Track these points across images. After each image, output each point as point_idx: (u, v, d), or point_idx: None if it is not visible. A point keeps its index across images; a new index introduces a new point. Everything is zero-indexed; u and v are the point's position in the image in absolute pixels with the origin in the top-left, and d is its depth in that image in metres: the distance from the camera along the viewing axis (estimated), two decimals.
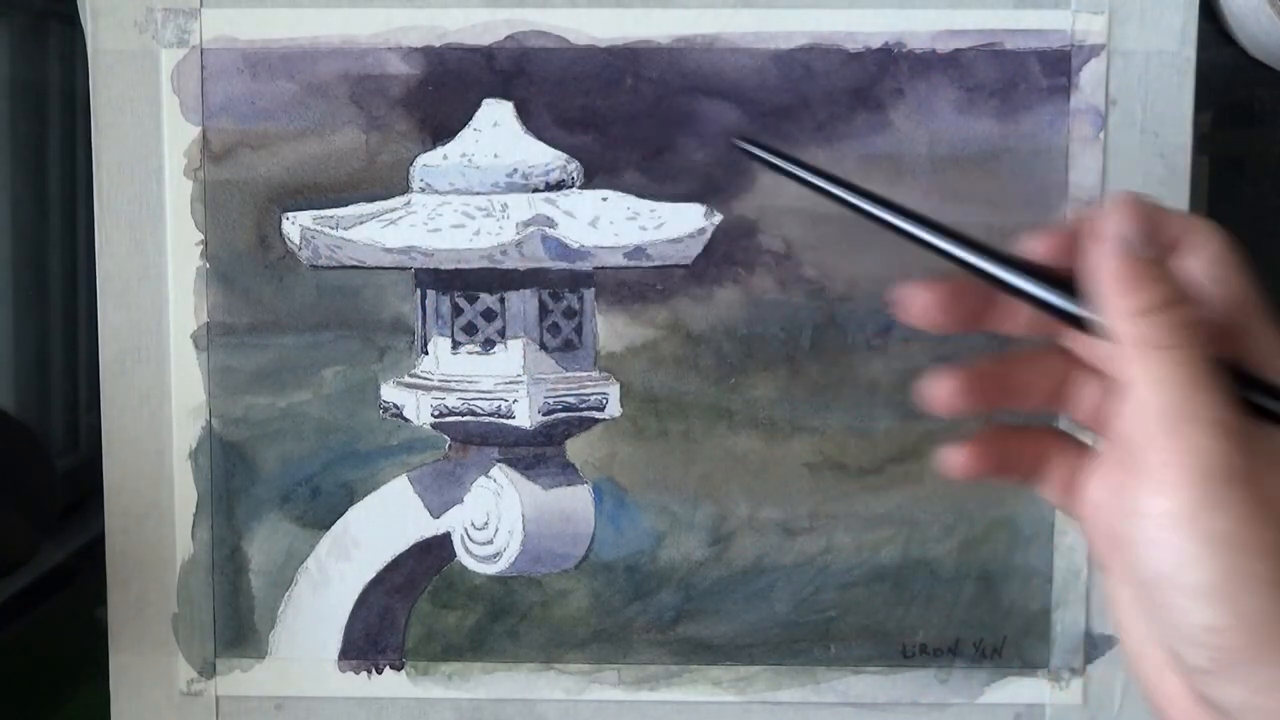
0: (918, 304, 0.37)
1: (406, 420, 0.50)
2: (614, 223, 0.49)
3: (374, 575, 0.51)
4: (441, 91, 0.49)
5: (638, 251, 0.49)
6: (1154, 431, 0.32)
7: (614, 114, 0.49)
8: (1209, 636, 0.31)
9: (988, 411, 0.37)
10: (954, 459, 0.37)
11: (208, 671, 0.51)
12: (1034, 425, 0.39)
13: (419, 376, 0.50)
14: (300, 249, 0.50)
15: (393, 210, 0.49)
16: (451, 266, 0.49)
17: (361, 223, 0.49)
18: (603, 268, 0.50)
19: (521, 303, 0.50)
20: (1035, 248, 0.36)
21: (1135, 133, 0.49)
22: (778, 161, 0.39)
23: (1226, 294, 0.34)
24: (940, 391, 0.36)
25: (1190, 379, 0.32)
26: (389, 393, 0.50)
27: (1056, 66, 0.49)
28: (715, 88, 0.49)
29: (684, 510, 0.51)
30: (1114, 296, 0.33)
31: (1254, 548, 0.31)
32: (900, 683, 0.51)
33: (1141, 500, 0.32)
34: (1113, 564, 0.36)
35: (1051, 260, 0.36)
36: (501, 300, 0.50)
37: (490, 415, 0.50)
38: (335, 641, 0.51)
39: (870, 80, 0.49)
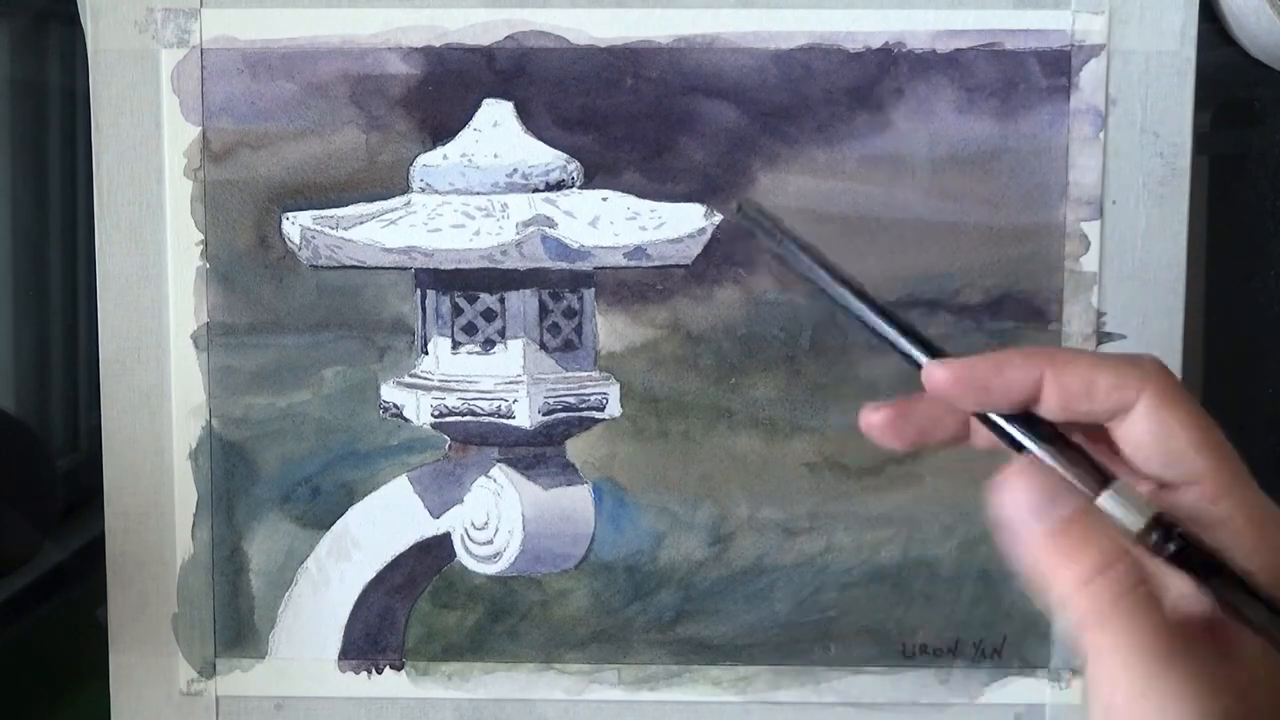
0: (873, 424, 0.34)
1: (406, 420, 0.50)
2: (614, 223, 0.49)
3: (374, 575, 0.51)
4: (441, 91, 0.49)
5: (638, 251, 0.49)
6: (1125, 711, 0.30)
7: (614, 114, 0.49)
8: None
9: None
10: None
11: (208, 671, 0.51)
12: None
13: (419, 376, 0.50)
14: (300, 249, 0.50)
15: (393, 210, 0.49)
16: (451, 266, 0.49)
17: (361, 223, 0.49)
18: (603, 268, 0.50)
19: (521, 303, 0.50)
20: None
21: (1135, 133, 0.49)
22: (773, 243, 0.36)
23: (1170, 448, 0.32)
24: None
25: (1150, 652, 0.29)
26: (389, 393, 0.50)
27: (1056, 66, 0.49)
28: (715, 88, 0.49)
29: (684, 510, 0.51)
30: (1050, 571, 0.31)
31: None
32: (900, 683, 0.51)
33: None
34: None
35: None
36: (501, 300, 0.50)
37: (490, 415, 0.50)
38: (335, 641, 0.51)
39: (870, 80, 0.49)
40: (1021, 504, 0.31)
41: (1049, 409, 0.33)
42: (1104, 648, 0.30)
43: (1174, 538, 0.30)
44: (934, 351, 0.34)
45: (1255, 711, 0.29)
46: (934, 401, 0.34)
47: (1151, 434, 0.32)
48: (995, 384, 0.33)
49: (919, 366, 0.34)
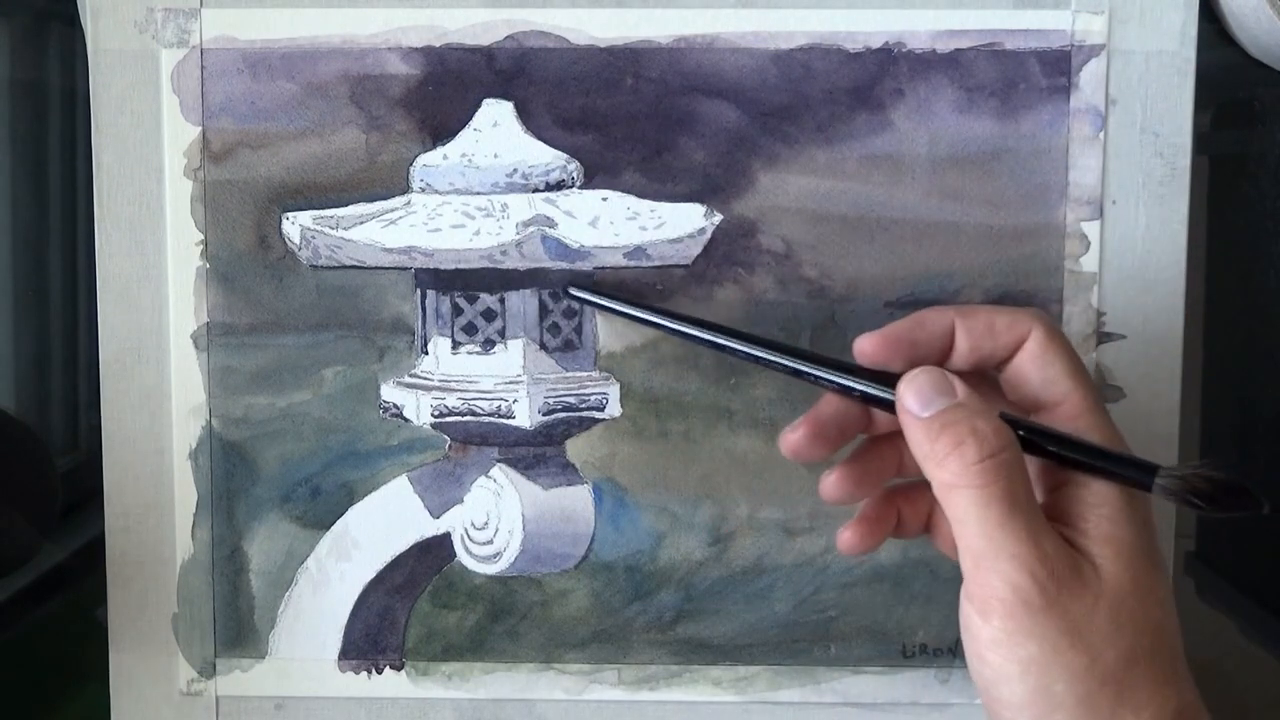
0: (790, 445, 0.42)
1: (406, 420, 0.50)
2: (614, 223, 0.49)
3: (374, 575, 0.51)
4: (441, 91, 0.49)
5: (638, 251, 0.49)
6: (969, 566, 0.36)
7: (614, 114, 0.49)
8: None
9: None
10: (847, 539, 0.42)
11: (208, 671, 0.51)
12: (916, 482, 0.42)
13: (419, 376, 0.50)
14: (300, 249, 0.50)
15: (393, 210, 0.49)
16: (451, 266, 0.49)
17: (361, 223, 0.49)
18: (603, 268, 0.50)
19: (521, 303, 0.50)
20: (865, 349, 0.40)
21: (1135, 133, 0.49)
22: (610, 304, 0.47)
23: (1048, 374, 0.39)
24: (827, 484, 0.42)
25: (995, 517, 0.35)
26: (389, 393, 0.50)
27: (1056, 66, 0.49)
28: (715, 88, 0.49)
29: (684, 510, 0.51)
30: (915, 448, 0.37)
31: (1058, 671, 0.34)
32: (900, 683, 0.51)
33: (968, 620, 0.36)
34: None
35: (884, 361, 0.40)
36: (501, 300, 0.50)
37: (490, 415, 0.50)
38: (335, 641, 0.51)
39: (870, 80, 0.49)
40: (910, 396, 0.38)
41: (960, 354, 0.40)
42: (958, 503, 0.36)
43: (1020, 426, 0.38)
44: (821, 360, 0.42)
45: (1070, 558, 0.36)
46: (833, 403, 0.42)
47: (1037, 360, 0.39)
48: (920, 337, 0.40)
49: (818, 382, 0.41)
